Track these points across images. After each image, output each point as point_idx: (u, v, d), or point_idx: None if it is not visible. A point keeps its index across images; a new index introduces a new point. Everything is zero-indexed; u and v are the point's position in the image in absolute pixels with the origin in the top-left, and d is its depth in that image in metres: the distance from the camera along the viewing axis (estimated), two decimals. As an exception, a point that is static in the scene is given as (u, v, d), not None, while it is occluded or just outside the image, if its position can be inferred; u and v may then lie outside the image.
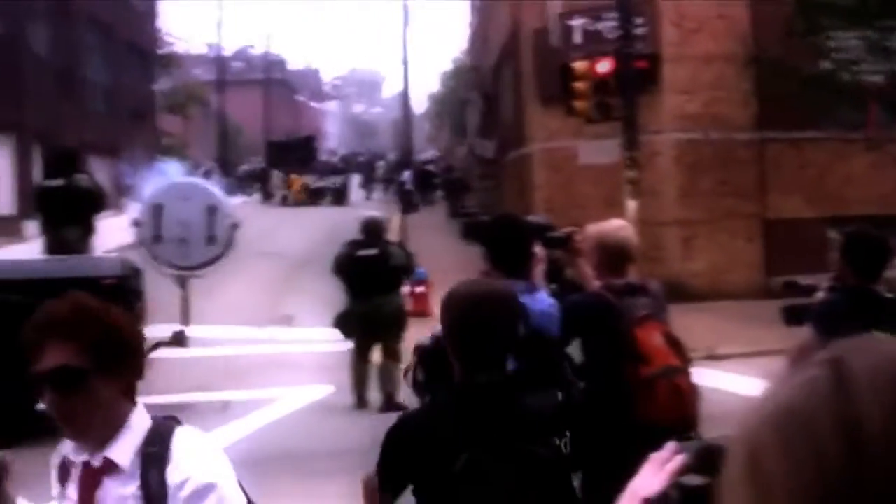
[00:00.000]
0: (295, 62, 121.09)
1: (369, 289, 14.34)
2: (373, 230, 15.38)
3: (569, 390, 5.92)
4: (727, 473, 1.41)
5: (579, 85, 21.45)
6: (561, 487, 3.72)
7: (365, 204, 52.52)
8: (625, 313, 6.34)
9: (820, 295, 7.07)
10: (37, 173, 36.61)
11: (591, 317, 6.41)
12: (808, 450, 1.28)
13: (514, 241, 6.09)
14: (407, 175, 48.74)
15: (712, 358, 16.87)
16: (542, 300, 6.01)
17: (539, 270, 6.30)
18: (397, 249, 15.97)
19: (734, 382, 16.07)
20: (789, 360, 5.33)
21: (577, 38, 26.22)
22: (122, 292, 13.68)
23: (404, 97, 33.44)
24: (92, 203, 15.75)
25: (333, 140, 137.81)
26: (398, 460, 3.75)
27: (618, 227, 6.89)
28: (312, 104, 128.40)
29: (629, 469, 6.38)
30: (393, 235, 35.86)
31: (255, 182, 60.85)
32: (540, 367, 5.69)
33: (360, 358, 14.90)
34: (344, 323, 14.33)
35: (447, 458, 3.56)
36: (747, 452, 1.36)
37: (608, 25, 25.24)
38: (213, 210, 13.63)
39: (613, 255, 6.63)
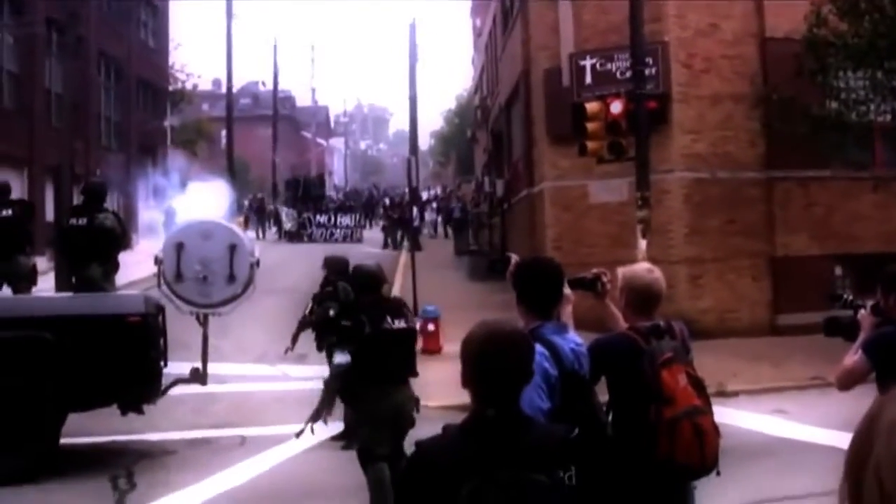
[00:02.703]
0: (303, 98, 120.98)
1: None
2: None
3: (598, 428, 6.11)
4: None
5: (592, 125, 21.62)
6: None
7: (375, 241, 52.68)
8: (651, 355, 6.49)
9: (862, 312, 7.26)
10: (49, 209, 36.93)
11: (618, 357, 6.57)
12: None
13: (544, 282, 6.26)
14: (415, 213, 48.85)
15: (721, 395, 16.98)
16: (571, 340, 6.18)
17: (568, 311, 6.47)
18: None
19: (743, 419, 16.23)
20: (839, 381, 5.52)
21: (588, 77, 26.43)
22: (145, 329, 13.89)
23: (412, 133, 33.61)
24: (115, 242, 16.00)
25: (338, 176, 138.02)
26: (412, 489, 3.97)
27: (647, 269, 7.03)
28: (319, 140, 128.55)
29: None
30: (400, 273, 36.13)
31: (264, 218, 61.23)
32: (572, 404, 5.88)
33: None
34: None
35: (454, 486, 3.77)
36: None
37: (619, 66, 25.53)
38: (234, 248, 13.74)
39: (642, 297, 6.78)
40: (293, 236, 55.19)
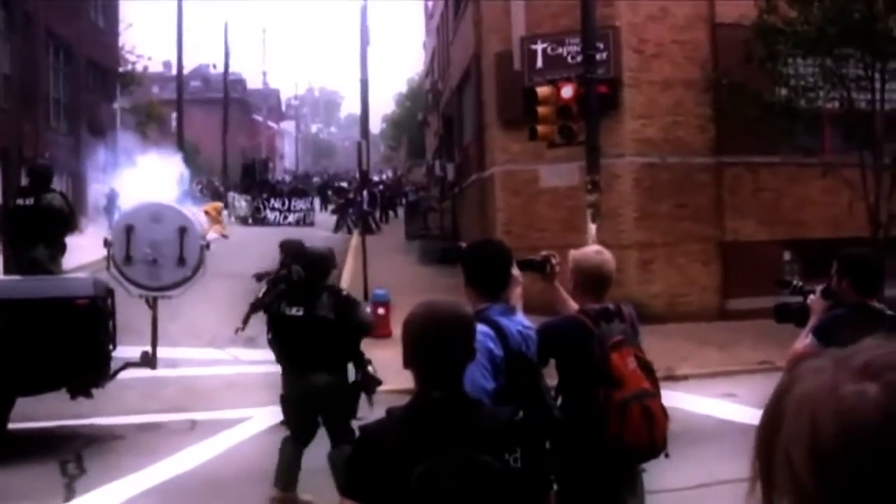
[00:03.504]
0: (254, 81, 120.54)
1: None
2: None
3: (545, 410, 6.13)
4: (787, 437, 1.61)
5: (543, 109, 21.63)
6: (510, 499, 3.92)
7: (327, 224, 52.58)
8: (601, 337, 6.52)
9: (812, 297, 7.32)
10: (-4, 191, 36.55)
11: (567, 339, 6.60)
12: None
13: (492, 264, 6.27)
14: (365, 196, 48.81)
15: (671, 378, 17.08)
16: (518, 322, 6.20)
17: (518, 293, 6.48)
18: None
19: (692, 402, 16.34)
20: (791, 364, 5.55)
21: (540, 62, 26.44)
22: (94, 313, 13.80)
23: (363, 116, 33.51)
24: (63, 223, 15.78)
25: (290, 160, 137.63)
26: (361, 472, 3.97)
27: (596, 251, 7.07)
28: (270, 123, 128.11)
29: (601, 488, 6.63)
30: (351, 256, 36.07)
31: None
32: (519, 386, 5.90)
33: None
34: None
35: (404, 469, 3.78)
36: (812, 444, 1.56)
37: (570, 50, 25.55)
38: (183, 231, 13.68)
39: (591, 279, 6.82)
40: (246, 220, 55.10)
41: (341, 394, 10.87)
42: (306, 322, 10.82)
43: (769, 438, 1.66)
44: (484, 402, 4.47)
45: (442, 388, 4.03)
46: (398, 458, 3.82)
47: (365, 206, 38.66)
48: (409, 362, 4.13)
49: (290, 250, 16.21)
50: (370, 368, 11.19)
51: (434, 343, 4.06)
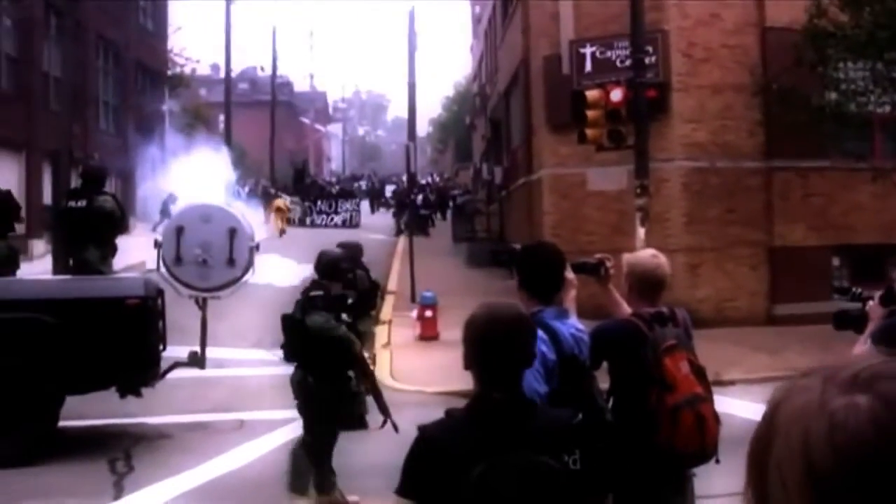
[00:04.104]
0: (301, 84, 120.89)
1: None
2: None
3: (597, 412, 6.11)
4: (777, 457, 1.58)
5: (592, 113, 21.59)
6: (568, 500, 3.91)
7: (372, 227, 52.74)
8: (654, 341, 6.49)
9: (871, 304, 7.24)
10: (46, 192, 36.90)
11: (620, 342, 6.59)
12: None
13: (546, 268, 6.26)
14: (419, 199, 49.03)
15: (718, 383, 16.95)
16: (572, 325, 6.19)
17: (572, 296, 6.47)
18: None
19: (740, 407, 16.25)
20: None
21: (588, 65, 26.39)
22: (144, 313, 13.89)
23: (410, 120, 33.59)
24: (114, 225, 15.95)
25: (336, 162, 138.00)
26: (418, 472, 3.96)
27: (652, 255, 7.04)
28: (317, 126, 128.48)
29: (652, 492, 6.58)
30: (398, 259, 36.12)
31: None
32: (571, 389, 5.88)
33: None
34: None
35: (462, 470, 3.78)
36: (806, 464, 1.52)
37: (619, 54, 25.49)
38: (233, 233, 13.74)
39: (646, 283, 6.80)
40: (303, 222, 55.44)
41: (307, 394, 10.84)
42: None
43: (761, 460, 1.62)
44: (543, 405, 4.45)
45: (502, 390, 4.03)
46: (458, 458, 3.81)
47: (420, 209, 38.86)
48: (469, 363, 4.13)
49: (347, 253, 16.30)
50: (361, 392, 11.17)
51: (497, 345, 4.07)
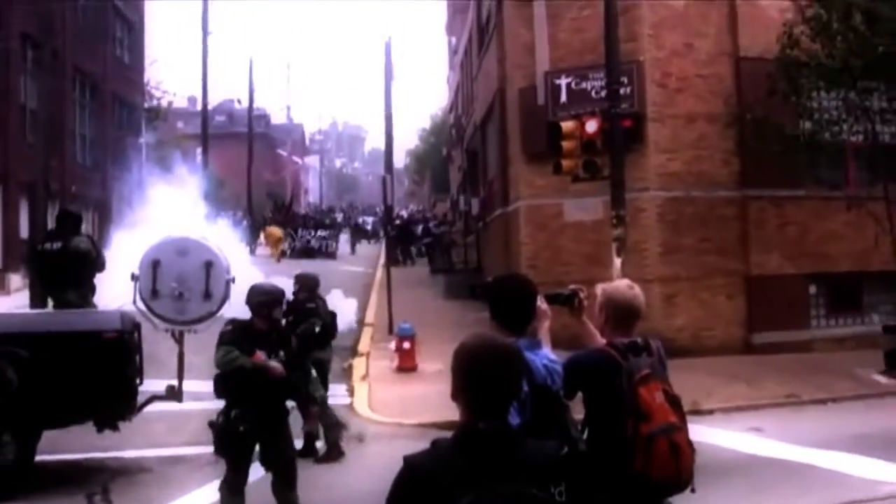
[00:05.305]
0: (278, 116, 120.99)
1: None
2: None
3: (570, 443, 6.13)
4: None
5: (567, 143, 21.70)
6: None
7: (350, 259, 52.82)
8: (629, 371, 6.52)
9: None
10: (23, 225, 36.79)
11: (595, 373, 6.61)
12: None
13: (516, 299, 6.28)
14: (392, 231, 49.12)
15: (696, 412, 17.03)
16: (544, 355, 6.21)
17: (545, 327, 6.50)
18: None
19: (718, 436, 16.29)
20: None
21: (563, 96, 26.49)
22: (121, 346, 13.88)
23: (387, 151, 33.69)
24: (91, 265, 16.00)
25: (314, 194, 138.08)
26: (405, 502, 3.95)
27: (628, 285, 7.05)
28: (294, 158, 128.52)
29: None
30: (376, 290, 36.12)
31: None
32: (544, 420, 5.90)
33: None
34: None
35: (450, 501, 3.73)
36: None
37: (594, 84, 25.61)
38: (209, 265, 13.73)
39: (622, 313, 6.82)
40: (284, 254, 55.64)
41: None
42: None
43: None
44: (527, 436, 4.45)
45: (490, 420, 4.02)
46: (445, 489, 3.78)
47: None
48: (458, 392, 4.12)
49: (306, 284, 16.58)
50: None
51: (486, 375, 4.05)
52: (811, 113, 25.05)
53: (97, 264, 16.12)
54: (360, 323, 22.62)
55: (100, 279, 16.36)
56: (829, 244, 26.78)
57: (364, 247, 64.17)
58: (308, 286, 16.61)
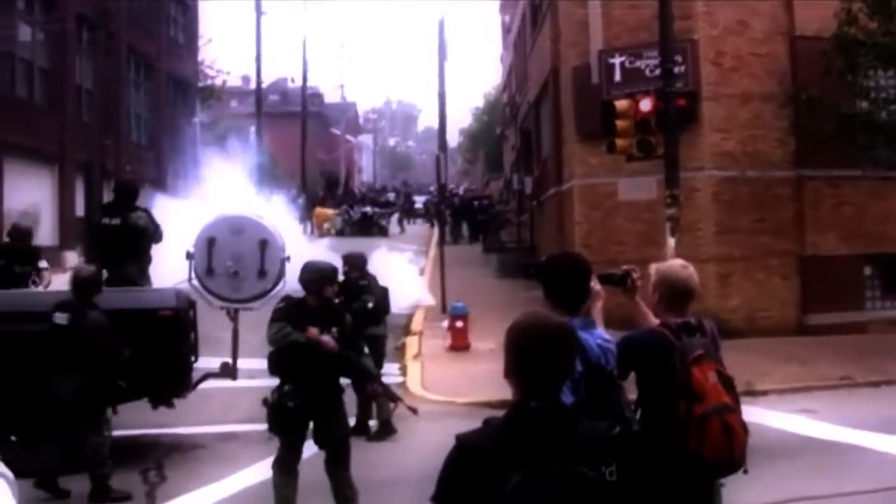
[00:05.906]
0: (331, 95, 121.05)
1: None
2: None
3: (623, 423, 6.11)
4: None
5: (621, 122, 21.58)
6: None
7: (400, 238, 52.84)
8: (682, 351, 6.49)
9: None
10: (79, 204, 37.12)
11: (648, 353, 6.59)
12: None
13: (570, 278, 6.29)
14: (447, 209, 49.15)
15: (750, 394, 16.94)
16: (598, 335, 6.22)
17: (599, 307, 6.49)
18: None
19: (771, 418, 16.20)
20: None
21: (617, 75, 26.37)
22: (176, 324, 13.98)
23: (440, 130, 33.67)
24: (147, 240, 16.14)
25: (367, 173, 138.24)
26: (455, 481, 3.95)
27: (682, 265, 7.00)
28: (348, 137, 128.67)
29: (681, 502, 6.54)
30: (429, 268, 36.13)
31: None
32: (598, 399, 5.89)
33: None
34: None
35: (500, 479, 3.75)
36: None
37: (648, 63, 25.46)
38: (264, 244, 13.76)
39: (676, 293, 6.77)
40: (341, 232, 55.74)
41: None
42: None
43: None
44: (580, 416, 4.43)
45: (542, 399, 4.01)
46: (496, 467, 3.78)
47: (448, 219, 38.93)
48: (510, 371, 4.10)
49: (354, 263, 16.55)
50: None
51: (539, 353, 4.03)
52: (868, 92, 24.81)
53: (155, 237, 16.28)
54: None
55: (156, 252, 16.52)
56: (886, 225, 26.56)
57: (414, 226, 64.11)
58: (357, 265, 16.58)
